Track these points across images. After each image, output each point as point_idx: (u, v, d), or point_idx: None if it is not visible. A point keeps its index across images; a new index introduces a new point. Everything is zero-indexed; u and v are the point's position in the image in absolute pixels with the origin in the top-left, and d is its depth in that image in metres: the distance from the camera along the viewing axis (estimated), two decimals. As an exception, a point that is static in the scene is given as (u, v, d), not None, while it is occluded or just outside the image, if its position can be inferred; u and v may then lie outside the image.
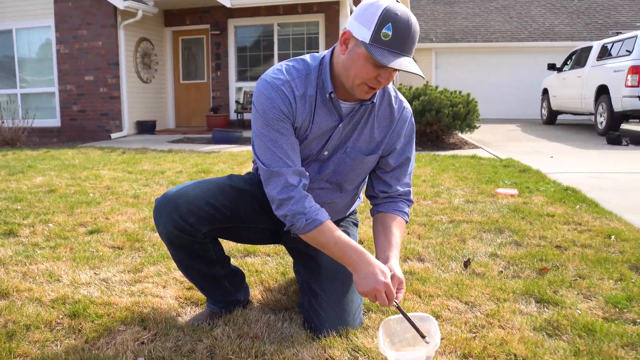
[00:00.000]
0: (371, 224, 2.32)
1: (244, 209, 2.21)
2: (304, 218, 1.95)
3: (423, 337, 1.91)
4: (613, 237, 3.47)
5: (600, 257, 3.06)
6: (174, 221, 2.08)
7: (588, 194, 4.91)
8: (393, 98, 2.16)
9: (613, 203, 4.56)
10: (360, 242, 3.38)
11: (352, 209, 2.48)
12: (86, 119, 12.11)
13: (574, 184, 5.35)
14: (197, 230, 2.10)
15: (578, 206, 4.38)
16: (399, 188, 2.24)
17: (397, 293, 1.97)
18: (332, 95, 2.01)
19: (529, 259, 3.05)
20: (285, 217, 1.99)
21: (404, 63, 1.82)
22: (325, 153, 2.13)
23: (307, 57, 2.10)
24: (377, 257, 2.10)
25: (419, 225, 3.85)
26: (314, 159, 2.15)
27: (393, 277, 1.97)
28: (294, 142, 2.02)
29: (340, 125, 2.08)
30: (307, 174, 2.04)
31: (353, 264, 1.95)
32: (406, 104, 2.21)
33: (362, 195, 2.58)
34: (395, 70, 1.86)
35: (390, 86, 2.17)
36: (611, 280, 2.71)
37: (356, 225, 2.53)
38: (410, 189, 2.28)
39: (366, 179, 2.34)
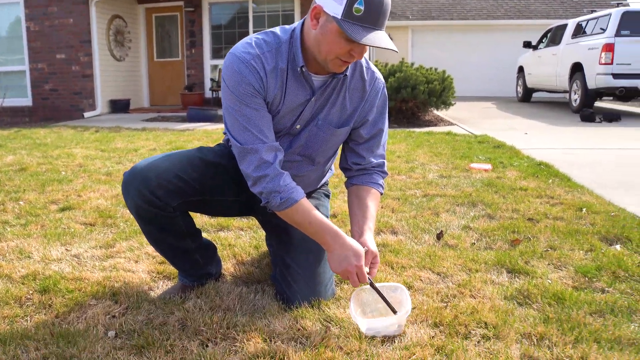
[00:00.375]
0: (346, 197, 2.32)
1: (214, 182, 2.18)
2: (279, 197, 1.94)
3: (394, 312, 1.93)
4: (584, 209, 3.51)
5: (571, 229, 3.10)
6: (143, 195, 2.04)
7: (561, 168, 4.96)
8: (365, 69, 2.13)
9: (585, 177, 4.62)
10: (334, 216, 3.40)
11: (323, 181, 2.47)
12: (59, 98, 11.93)
13: (547, 159, 5.40)
14: (167, 203, 2.07)
15: (551, 180, 4.43)
16: (373, 160, 2.23)
17: (371, 267, 1.99)
18: (304, 69, 1.97)
19: (501, 231, 3.08)
20: (261, 195, 1.97)
21: (377, 38, 1.80)
22: (298, 127, 2.11)
23: (277, 29, 2.05)
24: (351, 230, 2.11)
25: (392, 199, 3.86)
26: (286, 133, 2.12)
27: (367, 252, 1.98)
28: (267, 116, 1.99)
29: (312, 98, 2.04)
30: (282, 148, 2.02)
31: (326, 244, 1.96)
32: (378, 74, 2.19)
33: (334, 167, 2.58)
34: None
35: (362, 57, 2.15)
36: (581, 251, 2.75)
37: (328, 196, 2.53)
38: (384, 161, 2.27)
39: (338, 151, 2.33)
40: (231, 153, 2.22)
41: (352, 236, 2.08)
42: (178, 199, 2.09)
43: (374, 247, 2.02)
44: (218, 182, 2.19)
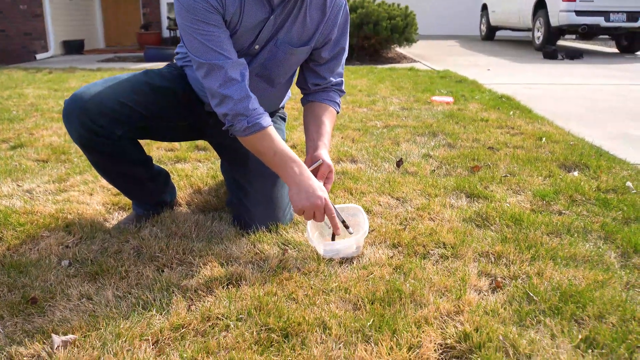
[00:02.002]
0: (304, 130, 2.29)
1: (161, 107, 2.11)
2: (246, 120, 1.85)
3: (347, 227, 1.93)
4: (544, 139, 3.55)
5: (530, 156, 3.14)
6: (85, 124, 1.96)
7: (522, 101, 5.00)
8: None
9: (546, 110, 4.67)
10: (293, 147, 3.39)
11: (281, 104, 2.43)
12: (8, 40, 11.49)
13: (509, 93, 5.43)
14: (111, 132, 1.99)
15: (512, 112, 4.46)
16: (332, 79, 2.18)
17: (325, 182, 1.97)
18: None
19: (461, 159, 3.11)
20: (226, 117, 1.88)
21: None
22: (256, 47, 2.02)
23: None
24: (306, 146, 2.08)
25: (353, 130, 3.87)
26: (244, 54, 2.02)
27: (322, 164, 1.96)
28: (227, 33, 1.88)
29: (271, 17, 1.95)
30: (247, 65, 1.93)
31: (291, 177, 1.87)
32: None
33: (291, 92, 2.54)
34: None
35: None
36: (540, 177, 2.79)
37: (284, 119, 2.49)
38: (343, 79, 2.23)
39: (297, 72, 2.27)
40: (182, 75, 2.16)
41: (307, 151, 2.05)
42: (123, 126, 2.01)
43: (328, 160, 1.99)
44: (165, 106, 2.12)
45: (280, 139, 1.92)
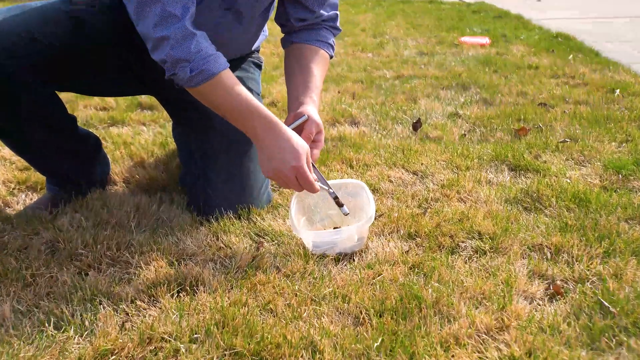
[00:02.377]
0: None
1: (89, 47, 2.03)
2: (188, 67, 1.80)
3: (341, 206, 1.91)
4: (618, 91, 3.55)
5: (599, 115, 3.11)
6: None
7: (586, 41, 5.01)
8: None
9: (621, 52, 4.69)
10: (274, 104, 3.41)
11: (255, 46, 2.39)
12: None
13: (567, 31, 5.44)
14: (18, 79, 1.92)
15: (571, 56, 4.47)
16: (323, 12, 2.15)
17: (313, 146, 1.94)
18: None
19: (501, 120, 3.09)
20: (164, 64, 1.84)
21: None
22: None
23: None
24: (288, 103, 2.06)
25: (353, 82, 3.88)
26: None
27: (308, 120, 1.92)
28: None
29: None
30: None
31: (257, 135, 1.85)
32: None
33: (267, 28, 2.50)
34: None
35: None
36: (613, 143, 2.76)
37: (259, 67, 2.46)
38: (337, 13, 2.20)
39: (275, 4, 2.23)
40: (118, 5, 2.08)
41: (289, 109, 2.02)
42: (34, 70, 1.93)
43: (317, 118, 1.96)
44: (94, 45, 2.05)
45: (240, 86, 1.86)
